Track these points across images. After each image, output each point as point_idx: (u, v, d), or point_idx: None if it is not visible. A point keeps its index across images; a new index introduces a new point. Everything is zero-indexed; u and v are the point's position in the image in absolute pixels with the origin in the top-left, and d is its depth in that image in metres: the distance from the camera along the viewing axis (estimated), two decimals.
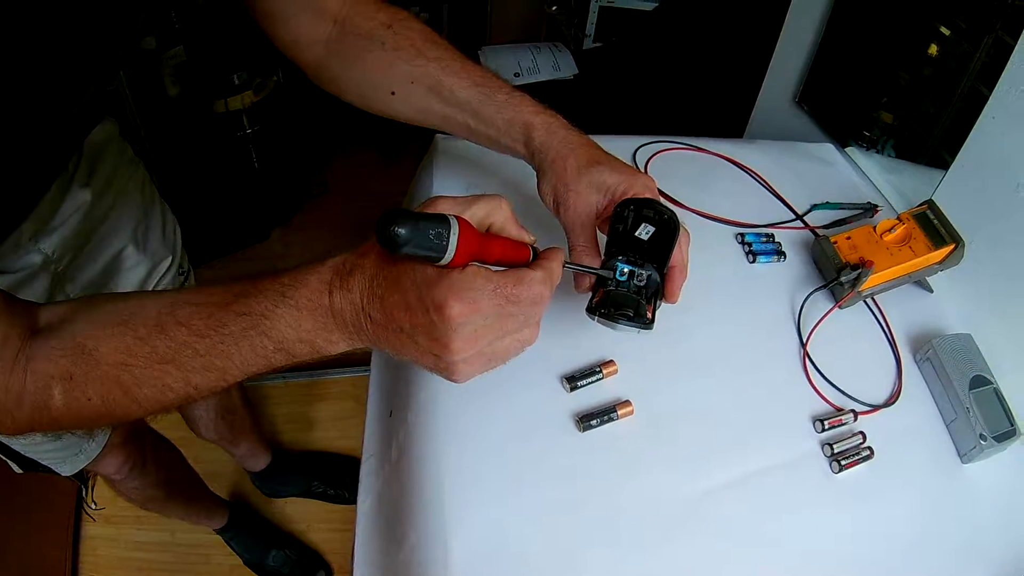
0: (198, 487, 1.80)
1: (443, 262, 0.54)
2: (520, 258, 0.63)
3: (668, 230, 0.75)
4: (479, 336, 0.57)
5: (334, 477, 2.11)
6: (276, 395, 2.35)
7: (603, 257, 0.78)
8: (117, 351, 0.58)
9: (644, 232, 0.75)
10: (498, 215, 0.62)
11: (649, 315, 0.73)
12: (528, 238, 0.65)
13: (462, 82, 0.88)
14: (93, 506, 1.95)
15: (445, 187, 1.11)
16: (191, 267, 1.35)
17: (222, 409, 1.69)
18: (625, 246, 0.75)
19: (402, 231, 0.50)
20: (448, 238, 0.53)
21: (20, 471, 1.12)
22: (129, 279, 1.16)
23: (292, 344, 0.60)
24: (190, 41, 2.78)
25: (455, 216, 0.55)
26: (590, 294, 0.77)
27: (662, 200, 0.79)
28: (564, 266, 0.66)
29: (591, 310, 0.74)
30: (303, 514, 2.09)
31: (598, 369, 0.86)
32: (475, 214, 0.60)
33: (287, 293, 0.59)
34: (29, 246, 0.93)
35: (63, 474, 1.18)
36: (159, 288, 1.21)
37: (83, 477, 1.32)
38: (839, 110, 1.46)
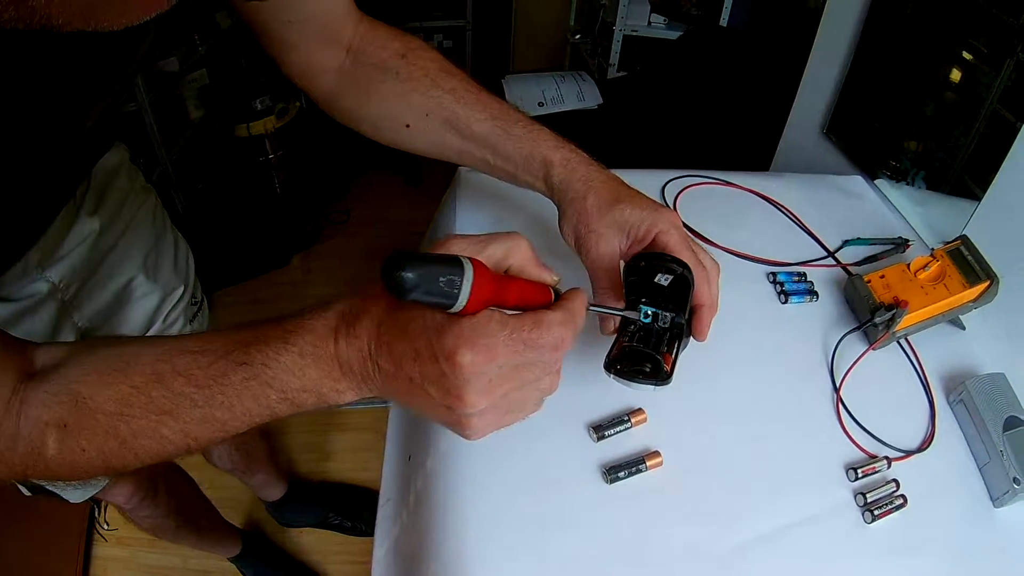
0: (211, 516, 1.78)
1: (455, 309, 0.50)
2: (540, 300, 0.59)
3: (684, 282, 0.73)
4: (494, 387, 0.54)
5: (351, 509, 2.09)
6: (293, 425, 2.33)
7: (617, 322, 0.76)
8: (112, 401, 0.56)
9: (663, 279, 0.73)
10: (517, 255, 0.59)
11: (667, 368, 0.70)
12: (550, 279, 0.61)
13: (479, 115, 0.86)
14: (105, 527, 1.95)
15: (468, 221, 1.10)
16: (205, 296, 1.33)
17: (237, 439, 1.67)
18: (646, 292, 0.73)
19: (410, 275, 0.46)
20: (460, 284, 0.49)
21: (29, 494, 1.11)
22: (139, 309, 1.14)
23: (296, 394, 0.57)
24: (213, 64, 2.81)
25: (469, 259, 0.51)
26: (610, 347, 0.74)
27: (688, 237, 0.78)
28: (588, 308, 0.62)
29: (608, 367, 0.72)
30: (318, 545, 2.07)
31: (626, 418, 0.83)
32: (492, 255, 0.57)
33: (290, 340, 0.56)
34: (36, 274, 0.92)
35: (72, 501, 1.17)
36: (171, 318, 1.20)
37: (95, 498, 1.31)
38: (867, 141, 1.44)
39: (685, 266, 0.73)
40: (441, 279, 0.48)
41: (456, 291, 0.49)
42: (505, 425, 0.58)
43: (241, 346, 0.57)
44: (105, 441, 0.57)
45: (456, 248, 0.55)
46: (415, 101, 0.88)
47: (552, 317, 0.55)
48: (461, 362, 0.50)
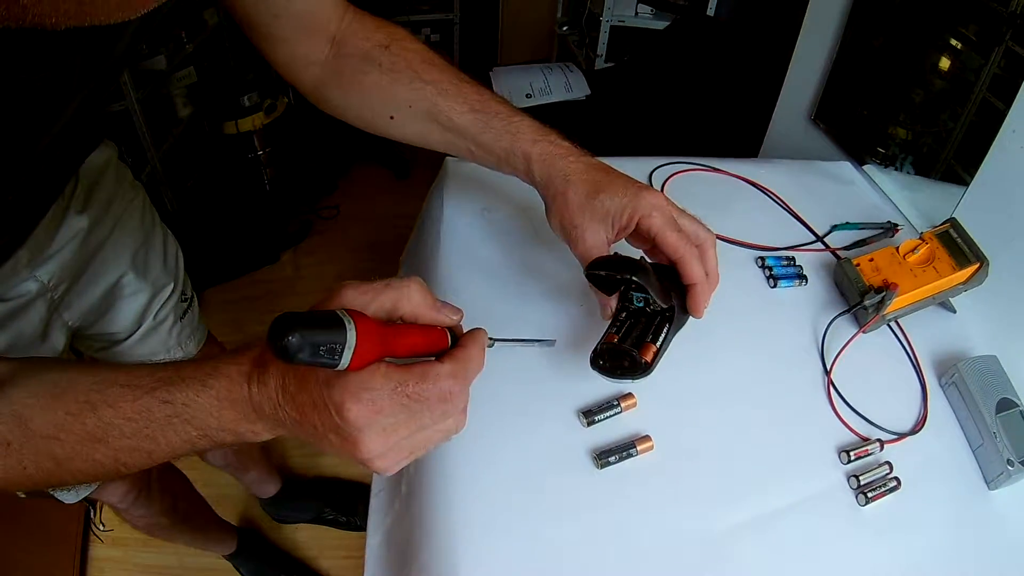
0: (205, 514, 1.78)
1: (339, 368, 0.51)
2: (433, 348, 0.60)
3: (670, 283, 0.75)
4: (389, 434, 0.55)
5: (345, 504, 2.09)
6: None
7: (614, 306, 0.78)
8: (49, 425, 0.57)
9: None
10: (408, 304, 0.58)
11: (647, 359, 0.71)
12: (447, 320, 0.61)
13: (459, 107, 0.86)
14: (101, 527, 1.95)
15: (457, 211, 1.10)
16: (195, 293, 1.33)
17: None
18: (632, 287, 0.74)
19: (293, 342, 0.47)
20: (343, 349, 0.50)
21: (23, 495, 1.10)
22: (129, 307, 1.14)
23: (215, 432, 0.58)
24: (201, 62, 2.80)
25: (353, 318, 0.51)
26: (599, 340, 0.75)
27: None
28: (494, 342, 0.64)
29: (592, 363, 0.73)
30: (314, 540, 2.07)
31: (616, 403, 0.83)
32: (382, 306, 0.57)
33: (207, 383, 0.58)
34: (25, 273, 0.91)
35: (66, 502, 1.17)
36: (161, 315, 1.20)
37: (89, 498, 1.31)
38: (855, 127, 1.44)
39: (635, 269, 0.73)
40: (322, 346, 0.48)
41: (337, 357, 0.49)
42: (414, 459, 0.59)
43: (164, 384, 0.58)
44: (43, 461, 0.58)
45: (347, 299, 0.55)
46: (398, 93, 0.88)
47: (439, 370, 0.56)
48: (348, 416, 0.52)
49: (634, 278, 0.73)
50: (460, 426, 0.60)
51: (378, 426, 0.53)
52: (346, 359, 0.50)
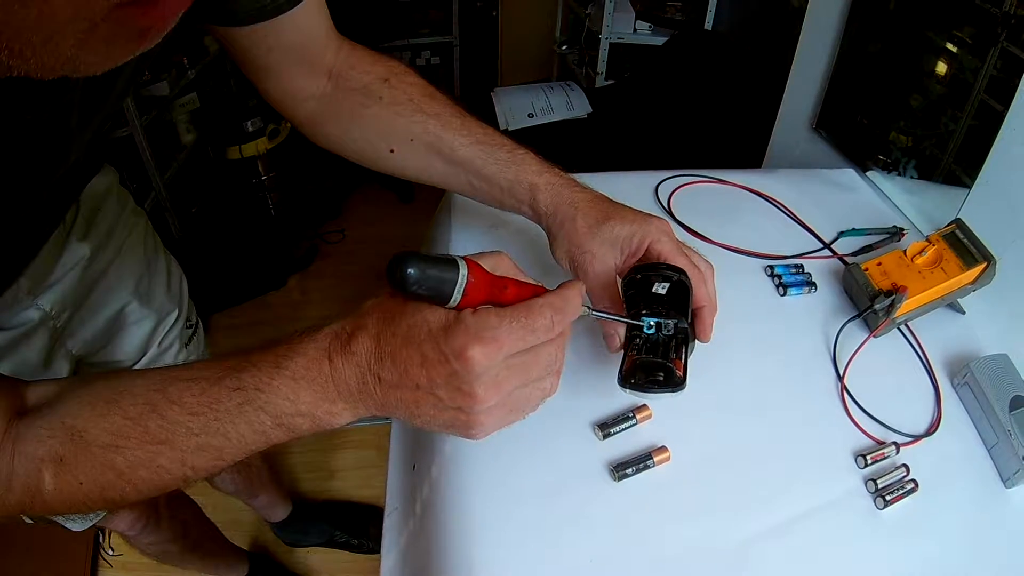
0: (216, 540, 1.77)
1: (456, 296, 0.53)
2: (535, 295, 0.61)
3: (683, 287, 0.74)
4: (502, 382, 0.55)
5: (357, 526, 2.08)
6: (295, 444, 2.26)
7: (623, 335, 0.77)
8: (107, 433, 0.55)
9: (660, 288, 0.73)
10: (500, 269, 0.60)
11: (680, 373, 0.70)
12: (534, 284, 0.63)
13: (463, 140, 0.86)
14: (110, 552, 1.94)
15: (464, 233, 1.10)
16: (199, 319, 1.32)
17: (238, 462, 1.66)
18: (646, 303, 0.73)
19: (412, 270, 0.51)
20: (458, 272, 0.53)
21: (30, 522, 1.09)
22: (134, 335, 1.13)
23: (290, 419, 0.57)
24: (203, 88, 2.81)
25: (461, 257, 0.54)
26: (620, 363, 0.74)
27: (679, 241, 0.79)
28: (590, 312, 0.64)
29: (622, 382, 0.71)
30: (326, 564, 2.06)
31: (631, 415, 0.83)
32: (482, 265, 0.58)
33: (282, 364, 0.56)
34: (27, 302, 0.91)
35: (75, 530, 1.15)
36: (166, 343, 1.20)
37: (97, 525, 1.30)
38: (857, 134, 1.44)
39: (681, 271, 0.74)
40: (441, 269, 0.52)
41: (455, 279, 0.53)
42: (508, 424, 0.59)
43: (233, 372, 0.57)
44: (102, 474, 0.56)
45: None
46: (399, 126, 0.88)
47: (543, 302, 0.57)
48: (472, 356, 0.52)
49: (681, 277, 0.74)
50: (555, 388, 0.61)
51: (493, 371, 0.54)
52: (462, 281, 0.53)
